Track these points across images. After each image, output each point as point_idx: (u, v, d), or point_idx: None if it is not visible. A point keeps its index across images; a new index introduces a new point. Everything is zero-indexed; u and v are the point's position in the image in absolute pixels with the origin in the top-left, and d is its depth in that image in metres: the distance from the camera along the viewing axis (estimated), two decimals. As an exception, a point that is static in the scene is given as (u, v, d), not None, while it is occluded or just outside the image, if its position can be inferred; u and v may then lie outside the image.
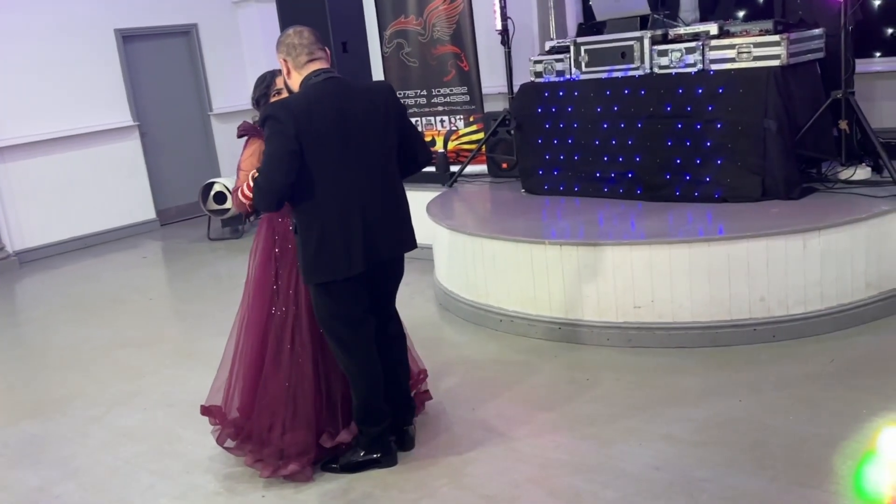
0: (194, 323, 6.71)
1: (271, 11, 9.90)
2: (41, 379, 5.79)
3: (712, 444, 3.81)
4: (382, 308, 4.02)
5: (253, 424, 4.02)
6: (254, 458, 3.97)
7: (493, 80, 7.95)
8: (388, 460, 3.96)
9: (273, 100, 4.01)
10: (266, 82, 4.13)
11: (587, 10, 7.75)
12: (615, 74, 6.04)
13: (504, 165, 7.41)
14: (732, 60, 5.51)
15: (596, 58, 6.13)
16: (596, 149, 6.18)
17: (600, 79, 6.12)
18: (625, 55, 5.96)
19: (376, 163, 3.74)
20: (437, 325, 5.88)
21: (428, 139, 7.99)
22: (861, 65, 6.29)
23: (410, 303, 6.11)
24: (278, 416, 3.96)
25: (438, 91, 7.98)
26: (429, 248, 6.30)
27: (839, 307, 4.87)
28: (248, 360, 4.09)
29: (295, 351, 3.98)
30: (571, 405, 4.38)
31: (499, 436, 4.13)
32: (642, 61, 5.88)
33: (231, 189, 8.14)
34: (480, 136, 7.63)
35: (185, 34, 10.94)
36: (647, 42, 5.84)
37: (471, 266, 5.75)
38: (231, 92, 11.08)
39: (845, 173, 5.59)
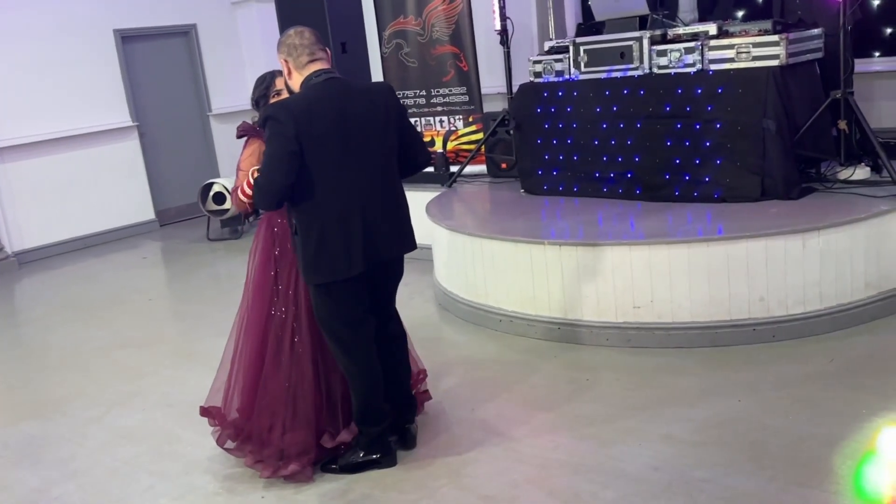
0: (193, 323, 6.71)
1: (270, 12, 9.90)
2: (40, 379, 5.79)
3: (711, 444, 3.81)
4: (382, 308, 4.03)
5: (253, 425, 4.02)
6: (254, 459, 3.97)
7: (492, 81, 7.95)
8: (387, 461, 3.96)
9: (272, 100, 4.02)
10: (266, 83, 4.13)
11: (586, 11, 7.75)
12: (614, 74, 6.04)
13: (503, 166, 7.41)
14: (731, 60, 5.51)
15: (595, 58, 6.13)
16: (595, 149, 6.18)
17: (599, 79, 6.12)
18: (624, 55, 5.96)
19: (376, 163, 3.74)
20: (437, 326, 5.88)
21: (427, 139, 7.99)
22: (860, 65, 6.29)
23: (410, 303, 6.10)
24: (278, 417, 3.96)
25: (437, 91, 7.98)
26: (428, 249, 6.30)
27: (838, 307, 4.87)
28: (248, 361, 4.09)
29: (295, 351, 3.98)
30: (571, 405, 4.38)
31: (498, 436, 4.13)
32: (641, 61, 5.88)
33: (230, 189, 8.14)
34: (479, 136, 7.63)
35: (185, 34, 10.94)
36: (646, 42, 5.84)
37: (470, 266, 5.75)
38: (230, 92, 11.08)
39: (844, 173, 5.58)
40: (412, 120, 6.59)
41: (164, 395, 5.19)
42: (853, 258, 4.86)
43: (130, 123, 10.32)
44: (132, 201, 10.38)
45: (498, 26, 6.95)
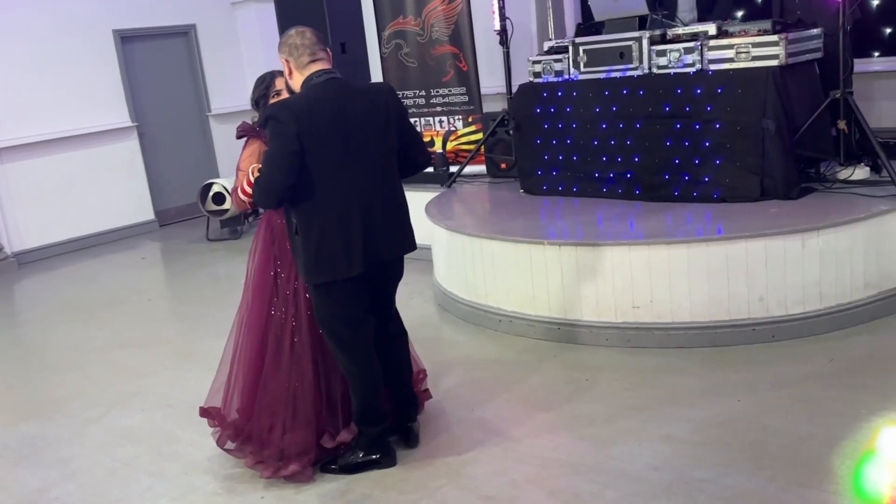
0: (193, 324, 6.71)
1: (270, 12, 9.92)
2: (40, 380, 5.79)
3: (711, 444, 3.81)
4: (383, 308, 4.03)
5: (253, 425, 4.02)
6: (254, 460, 3.97)
7: (491, 81, 7.95)
8: (387, 461, 3.96)
9: (272, 100, 4.02)
10: (265, 83, 4.13)
11: (586, 11, 7.75)
12: (614, 75, 6.04)
13: (503, 166, 7.41)
14: (731, 60, 5.51)
15: (594, 58, 6.13)
16: (594, 149, 6.18)
17: (599, 79, 6.11)
18: (623, 55, 5.96)
19: (376, 164, 3.74)
20: (436, 326, 5.88)
21: (427, 139, 7.99)
22: (859, 64, 6.29)
23: (409, 303, 6.10)
24: (278, 417, 3.96)
25: (437, 91, 7.97)
26: (428, 249, 6.30)
27: (838, 307, 4.87)
28: (248, 361, 4.09)
29: (295, 351, 3.98)
30: (570, 405, 4.38)
31: (498, 436, 4.13)
32: (641, 61, 5.88)
33: (230, 190, 8.14)
34: (479, 136, 7.63)
35: (184, 35, 10.94)
36: (645, 42, 5.84)
37: (470, 266, 5.75)
38: (229, 92, 11.08)
39: (844, 173, 5.58)
40: (412, 120, 6.59)
41: (163, 395, 5.19)
42: (853, 258, 4.87)
43: (130, 124, 10.32)
44: (132, 202, 10.38)
45: (497, 26, 6.95)
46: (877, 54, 6.87)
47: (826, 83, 5.74)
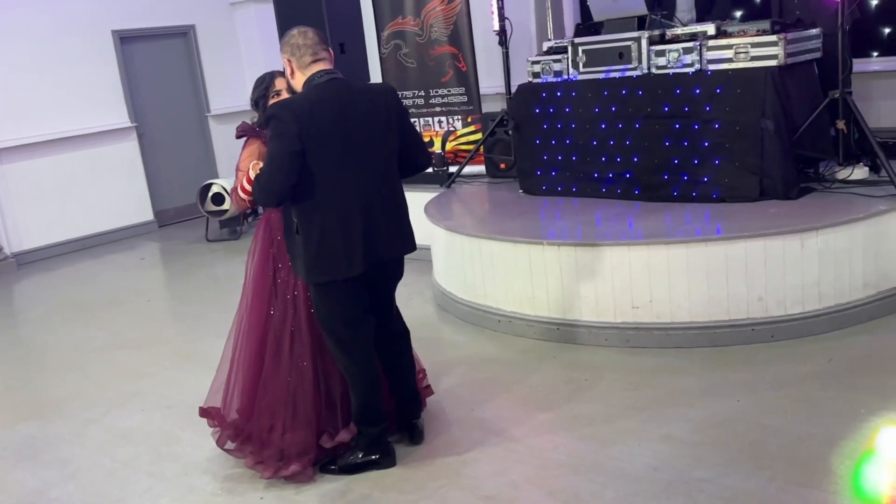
0: (192, 324, 6.71)
1: (269, 12, 9.93)
2: (39, 380, 5.79)
3: (710, 444, 3.82)
4: (384, 308, 4.05)
5: (253, 426, 4.02)
6: (254, 460, 3.97)
7: (490, 81, 7.95)
8: (386, 461, 3.96)
9: (272, 101, 4.02)
10: (265, 83, 4.13)
11: (585, 11, 7.75)
12: (613, 75, 6.04)
13: (502, 166, 7.41)
14: (730, 60, 5.52)
15: (593, 58, 6.14)
16: (594, 149, 6.18)
17: (598, 79, 6.12)
18: (622, 55, 5.96)
19: (377, 164, 3.75)
20: (436, 326, 5.88)
21: (426, 140, 7.99)
22: (858, 64, 6.29)
23: (409, 303, 6.10)
24: (278, 417, 3.96)
25: (436, 92, 7.97)
26: (427, 249, 6.30)
27: (837, 307, 4.88)
28: (248, 361, 4.09)
29: (294, 351, 3.98)
30: (570, 405, 4.38)
31: (497, 436, 4.14)
32: (640, 62, 5.88)
33: (229, 190, 8.14)
34: (478, 136, 7.63)
35: (183, 35, 10.93)
36: (644, 42, 5.85)
37: (469, 267, 5.75)
38: (229, 93, 11.08)
39: (843, 173, 5.59)
40: (412, 121, 6.60)
41: (163, 395, 5.19)
42: (852, 258, 4.87)
43: (129, 124, 10.31)
44: (131, 202, 10.38)
45: (496, 27, 6.96)
46: (875, 54, 6.88)
47: (825, 83, 5.75)
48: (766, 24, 5.52)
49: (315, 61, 3.70)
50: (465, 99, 7.81)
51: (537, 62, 6.51)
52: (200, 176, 10.40)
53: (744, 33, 5.57)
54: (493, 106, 7.84)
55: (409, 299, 6.25)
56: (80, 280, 8.51)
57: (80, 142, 9.90)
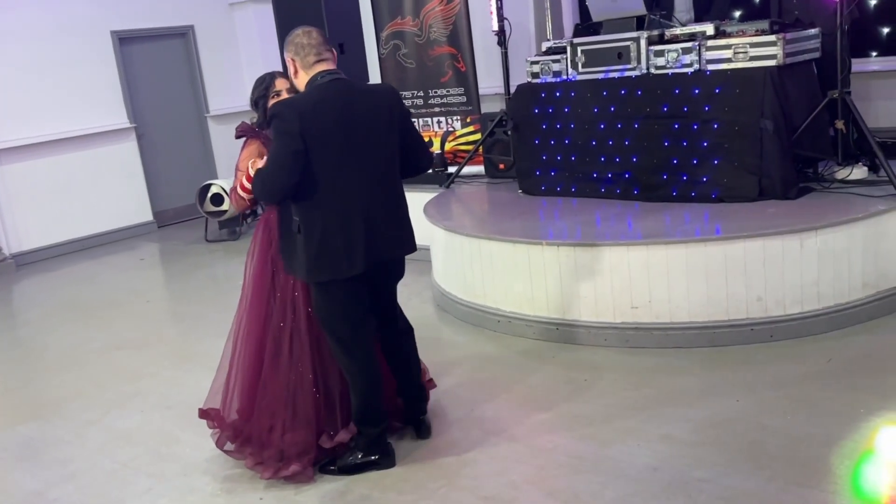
0: (192, 325, 6.71)
1: (268, 13, 9.93)
2: (38, 381, 5.79)
3: (710, 444, 3.82)
4: (386, 307, 4.08)
5: (252, 426, 4.02)
6: (254, 461, 3.97)
7: (489, 81, 7.95)
8: (386, 462, 3.97)
9: (272, 101, 4.02)
10: (265, 83, 4.13)
11: (583, 11, 7.75)
12: (612, 75, 6.04)
13: (501, 166, 7.41)
14: (729, 60, 5.52)
15: (592, 58, 6.14)
16: (593, 149, 6.18)
17: (597, 79, 6.12)
18: (621, 56, 5.96)
19: (379, 164, 3.77)
20: (435, 326, 5.88)
21: (425, 140, 7.98)
22: (857, 64, 6.29)
23: (408, 304, 6.05)
24: (278, 417, 3.96)
25: (435, 92, 7.97)
26: (426, 250, 6.30)
27: (836, 307, 4.88)
28: (247, 362, 4.09)
29: (293, 351, 3.98)
30: (569, 405, 4.38)
31: (497, 436, 4.14)
32: (639, 62, 5.88)
33: (228, 190, 8.14)
34: (477, 136, 7.63)
35: (182, 36, 10.93)
36: (643, 42, 5.85)
37: (468, 267, 5.76)
38: (228, 93, 11.08)
39: (842, 173, 5.59)
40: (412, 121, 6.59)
41: (162, 396, 5.19)
42: (851, 258, 4.87)
43: (128, 125, 10.31)
44: (130, 203, 10.38)
45: (495, 27, 6.96)
46: (874, 54, 6.88)
47: (824, 83, 5.75)
48: (764, 24, 5.52)
49: (319, 61, 3.72)
50: (465, 99, 7.82)
51: (536, 62, 6.51)
52: (199, 176, 10.40)
53: (742, 33, 5.57)
54: (493, 106, 7.84)
55: (409, 300, 6.24)
56: (80, 281, 8.51)
57: (79, 142, 9.90)
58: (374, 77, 8.77)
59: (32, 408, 5.28)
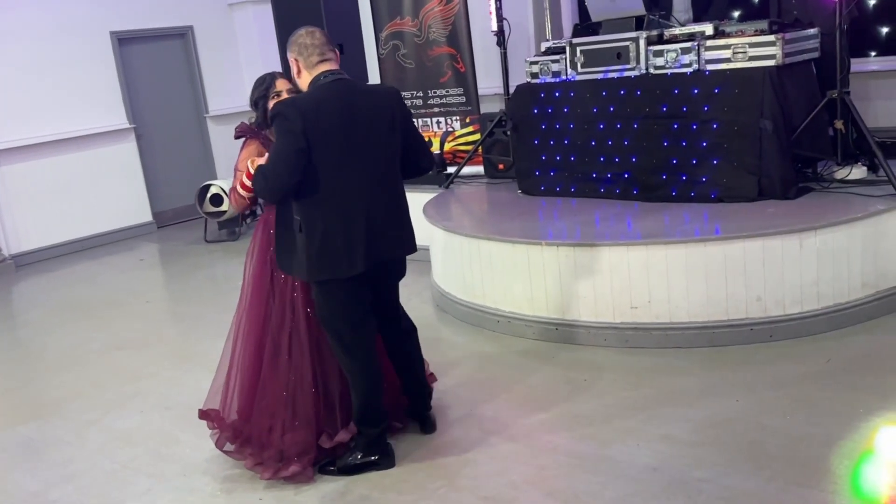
0: (191, 325, 6.71)
1: (267, 13, 9.91)
2: (38, 382, 5.79)
3: (710, 444, 3.82)
4: (389, 306, 4.11)
5: (252, 427, 4.02)
6: (254, 462, 3.97)
7: (489, 81, 7.95)
8: (385, 462, 3.97)
9: (272, 102, 4.01)
10: (266, 84, 4.12)
11: (582, 11, 7.75)
12: (611, 75, 6.04)
13: (500, 166, 7.41)
14: (728, 60, 5.52)
15: (592, 58, 6.14)
16: (592, 149, 6.18)
17: (596, 79, 6.12)
18: (620, 56, 5.96)
19: (380, 165, 3.78)
20: (435, 327, 5.88)
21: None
22: (856, 64, 6.29)
23: (408, 304, 6.00)
24: (278, 418, 3.96)
25: (434, 92, 7.97)
26: (426, 250, 6.30)
27: (836, 307, 4.88)
28: (247, 362, 4.09)
29: (293, 351, 3.99)
30: (569, 406, 4.39)
31: (497, 437, 4.14)
32: (638, 62, 5.88)
33: (228, 191, 8.14)
34: (477, 137, 7.63)
35: (181, 36, 10.93)
36: (642, 42, 5.85)
37: (467, 267, 5.76)
38: (227, 94, 11.07)
39: (841, 173, 5.59)
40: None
41: (162, 396, 5.19)
42: (850, 258, 4.87)
43: (127, 125, 10.31)
44: (129, 203, 10.38)
45: (495, 27, 6.97)
46: (874, 54, 6.88)
47: (823, 83, 5.75)
48: (763, 24, 5.52)
49: (322, 61, 3.73)
50: (464, 99, 7.82)
51: (535, 62, 6.51)
52: (199, 177, 10.39)
53: (742, 33, 5.57)
54: (492, 106, 7.84)
55: (409, 300, 6.21)
56: (79, 281, 8.51)
57: (79, 143, 9.90)
58: (374, 77, 8.77)
59: (32, 408, 5.28)
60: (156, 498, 3.98)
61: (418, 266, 6.33)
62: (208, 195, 9.43)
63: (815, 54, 5.75)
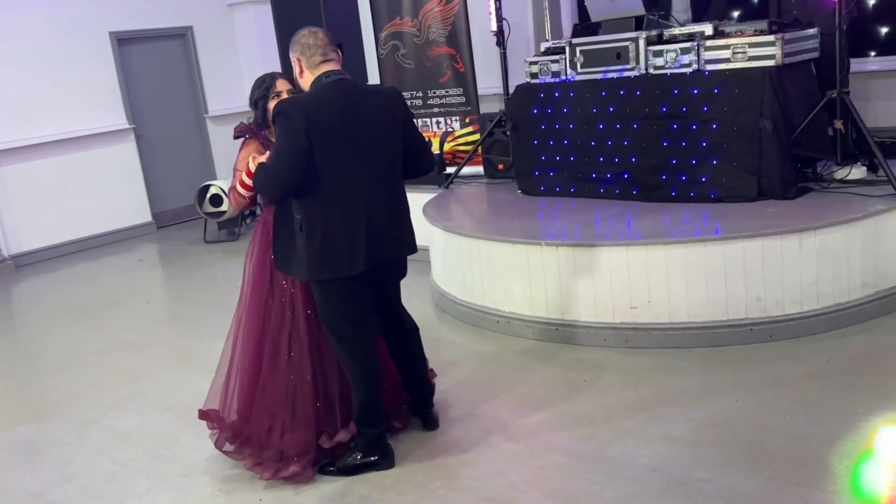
0: (191, 325, 6.71)
1: (266, 14, 9.92)
2: (38, 382, 5.78)
3: (709, 444, 3.82)
4: (391, 306, 4.12)
5: (252, 427, 4.02)
6: (254, 462, 3.97)
7: (488, 82, 7.96)
8: (385, 463, 3.97)
9: (272, 102, 4.01)
10: (266, 84, 4.12)
11: (582, 11, 7.75)
12: (611, 75, 6.04)
13: (500, 167, 7.41)
14: (727, 61, 5.52)
15: (591, 58, 6.14)
16: (592, 150, 6.18)
17: (596, 79, 6.12)
18: (620, 56, 5.96)
19: (381, 165, 3.78)
20: (434, 327, 5.88)
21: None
22: (856, 64, 6.30)
23: (407, 304, 5.99)
24: (277, 418, 3.96)
25: (434, 92, 7.98)
26: (425, 250, 6.30)
27: (835, 307, 4.88)
28: (246, 363, 4.09)
29: (292, 352, 3.99)
30: (569, 406, 4.38)
31: (496, 437, 4.14)
32: (637, 62, 5.88)
33: (227, 191, 8.13)
34: (476, 137, 7.63)
35: (181, 37, 10.93)
36: (642, 43, 5.85)
37: (467, 267, 5.75)
38: (226, 94, 11.08)
39: (841, 173, 5.59)
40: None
41: (161, 397, 5.19)
42: (850, 258, 4.87)
43: (127, 126, 10.31)
44: (129, 204, 10.38)
45: (494, 27, 6.97)
46: (873, 54, 6.89)
47: (823, 83, 5.75)
48: (763, 24, 5.52)
49: (324, 61, 3.74)
50: (463, 100, 7.82)
51: (535, 63, 6.51)
52: (198, 177, 10.39)
53: (741, 33, 5.57)
54: (491, 106, 7.85)
55: (408, 300, 6.16)
56: (79, 282, 8.51)
57: (78, 143, 9.90)
58: (373, 77, 8.77)
59: (32, 408, 5.28)
60: (155, 498, 3.98)
61: (418, 266, 6.33)
62: (208, 195, 9.43)
63: (815, 54, 5.75)
